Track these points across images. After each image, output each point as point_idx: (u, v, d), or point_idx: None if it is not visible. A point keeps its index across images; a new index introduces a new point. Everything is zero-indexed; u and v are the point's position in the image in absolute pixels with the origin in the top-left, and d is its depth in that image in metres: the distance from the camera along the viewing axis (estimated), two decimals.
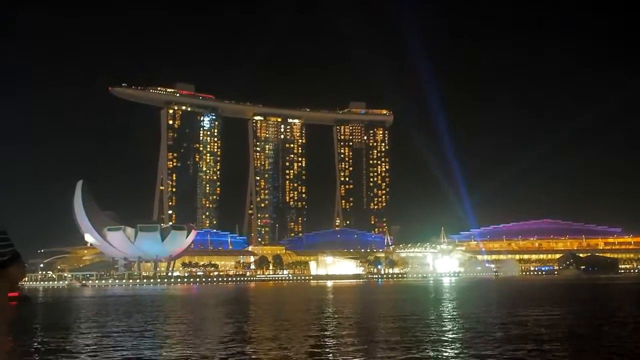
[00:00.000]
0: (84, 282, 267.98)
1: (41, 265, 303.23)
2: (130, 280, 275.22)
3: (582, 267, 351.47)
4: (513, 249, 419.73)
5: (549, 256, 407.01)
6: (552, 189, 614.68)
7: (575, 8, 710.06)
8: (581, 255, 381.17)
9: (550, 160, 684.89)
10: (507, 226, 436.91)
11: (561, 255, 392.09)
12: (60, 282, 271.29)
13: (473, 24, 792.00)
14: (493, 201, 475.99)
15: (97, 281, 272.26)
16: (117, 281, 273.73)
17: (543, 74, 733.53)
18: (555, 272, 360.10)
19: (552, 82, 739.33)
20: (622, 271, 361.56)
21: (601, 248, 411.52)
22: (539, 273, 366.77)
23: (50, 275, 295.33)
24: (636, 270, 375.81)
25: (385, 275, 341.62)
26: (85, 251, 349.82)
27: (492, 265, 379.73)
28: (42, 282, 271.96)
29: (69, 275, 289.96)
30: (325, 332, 43.23)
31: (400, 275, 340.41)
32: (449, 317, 58.04)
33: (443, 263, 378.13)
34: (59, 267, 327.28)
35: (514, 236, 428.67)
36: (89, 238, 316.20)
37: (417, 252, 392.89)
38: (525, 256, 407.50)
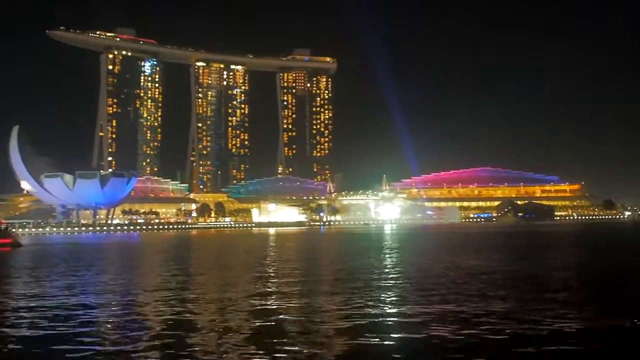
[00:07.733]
0: None
1: None
2: (69, 229, 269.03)
3: (520, 214, 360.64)
4: (453, 196, 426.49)
5: (488, 203, 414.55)
6: (493, 138, 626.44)
7: None
8: (519, 202, 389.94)
9: (493, 109, 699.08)
10: (447, 174, 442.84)
11: (500, 202, 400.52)
12: None
13: None
14: (435, 149, 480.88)
15: (33, 229, 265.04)
16: (54, 229, 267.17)
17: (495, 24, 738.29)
18: (494, 219, 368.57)
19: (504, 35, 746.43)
20: (558, 218, 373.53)
21: (538, 195, 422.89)
22: (478, 220, 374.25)
23: None
24: (571, 217, 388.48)
25: (327, 223, 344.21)
26: (22, 198, 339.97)
27: (432, 212, 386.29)
28: None
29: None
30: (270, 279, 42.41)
31: (342, 223, 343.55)
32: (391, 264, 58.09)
33: (385, 210, 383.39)
34: None
35: (455, 184, 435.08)
36: (25, 185, 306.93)
37: (359, 200, 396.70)
38: (465, 203, 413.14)
